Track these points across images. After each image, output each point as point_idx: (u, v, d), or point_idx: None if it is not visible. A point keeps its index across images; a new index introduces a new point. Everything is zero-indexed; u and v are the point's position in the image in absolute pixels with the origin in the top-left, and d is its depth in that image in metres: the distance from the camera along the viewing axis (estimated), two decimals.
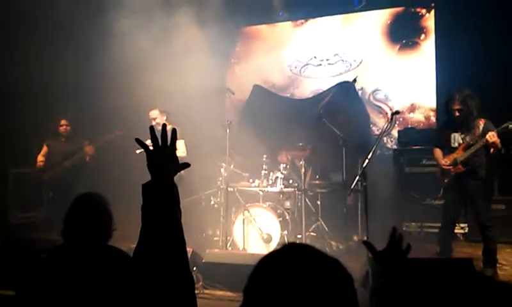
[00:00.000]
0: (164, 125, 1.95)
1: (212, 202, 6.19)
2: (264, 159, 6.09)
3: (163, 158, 1.39)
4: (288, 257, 0.92)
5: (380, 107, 7.97)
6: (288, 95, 8.52)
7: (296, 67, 8.60)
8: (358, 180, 4.71)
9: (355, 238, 6.15)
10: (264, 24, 8.84)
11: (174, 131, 1.44)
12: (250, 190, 6.08)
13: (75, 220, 2.14)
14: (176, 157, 1.45)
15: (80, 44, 6.52)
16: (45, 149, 6.22)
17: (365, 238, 4.67)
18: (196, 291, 4.30)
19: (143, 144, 1.47)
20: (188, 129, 6.24)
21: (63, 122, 6.26)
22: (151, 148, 1.41)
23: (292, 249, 0.95)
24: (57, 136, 6.26)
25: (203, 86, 6.67)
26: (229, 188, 5.80)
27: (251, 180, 6.13)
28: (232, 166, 6.04)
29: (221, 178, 6.07)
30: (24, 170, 6.65)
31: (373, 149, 4.96)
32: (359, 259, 5.12)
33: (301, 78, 8.57)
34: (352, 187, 4.76)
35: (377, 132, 7.32)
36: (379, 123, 7.69)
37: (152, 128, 1.42)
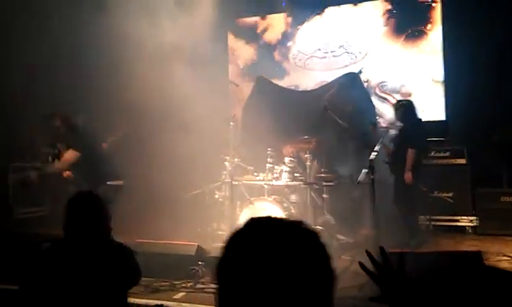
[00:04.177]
0: None
1: (217, 196, 6.13)
2: (269, 152, 6.01)
3: None
4: (251, 232, 0.95)
5: (386, 98, 7.86)
6: (293, 87, 8.42)
7: (300, 59, 8.49)
8: (365, 173, 4.65)
9: (363, 231, 6.08)
10: (267, 15, 8.71)
11: None
12: (255, 184, 6.01)
13: (75, 216, 2.24)
14: None
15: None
16: None
17: (374, 232, 4.62)
18: (203, 286, 4.30)
19: None
20: (192, 123, 6.16)
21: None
22: None
23: (252, 224, 0.97)
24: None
25: (205, 80, 6.61)
26: (234, 182, 5.74)
27: (255, 174, 6.06)
28: (236, 160, 5.97)
29: (225, 172, 6.00)
30: (27, 165, 6.58)
31: (380, 141, 4.92)
32: None
33: (305, 70, 8.46)
34: (359, 179, 4.69)
35: (383, 124, 7.21)
36: (386, 115, 7.58)
37: None
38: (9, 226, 5.77)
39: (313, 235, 0.95)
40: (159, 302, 3.61)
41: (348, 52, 8.18)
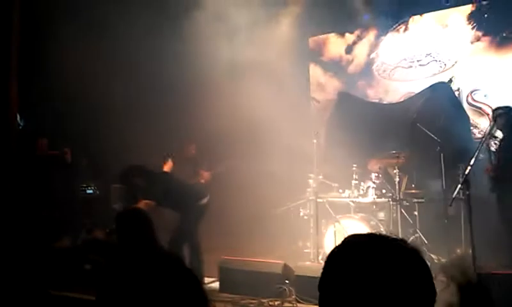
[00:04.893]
0: None
1: (302, 214, 6.09)
2: (354, 168, 5.87)
3: None
4: (351, 250, 0.93)
5: (480, 108, 7.32)
6: (377, 100, 8.16)
7: (384, 70, 8.23)
8: (460, 188, 4.37)
9: (458, 251, 5.68)
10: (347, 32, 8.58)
11: None
12: (340, 201, 5.90)
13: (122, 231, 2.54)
14: None
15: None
16: (170, 164, 5.92)
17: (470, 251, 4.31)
18: (290, 305, 4.28)
19: None
20: (276, 141, 6.22)
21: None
22: None
23: (352, 241, 0.95)
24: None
25: (287, 96, 6.66)
26: (318, 199, 5.67)
27: (340, 191, 5.95)
28: (320, 177, 5.90)
29: (309, 189, 5.96)
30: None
31: (475, 154, 4.60)
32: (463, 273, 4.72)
33: (390, 82, 8.17)
34: (454, 196, 4.42)
35: (478, 135, 6.72)
36: (480, 125, 7.07)
37: None
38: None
39: (415, 253, 0.92)
40: None
41: (436, 60, 7.78)
